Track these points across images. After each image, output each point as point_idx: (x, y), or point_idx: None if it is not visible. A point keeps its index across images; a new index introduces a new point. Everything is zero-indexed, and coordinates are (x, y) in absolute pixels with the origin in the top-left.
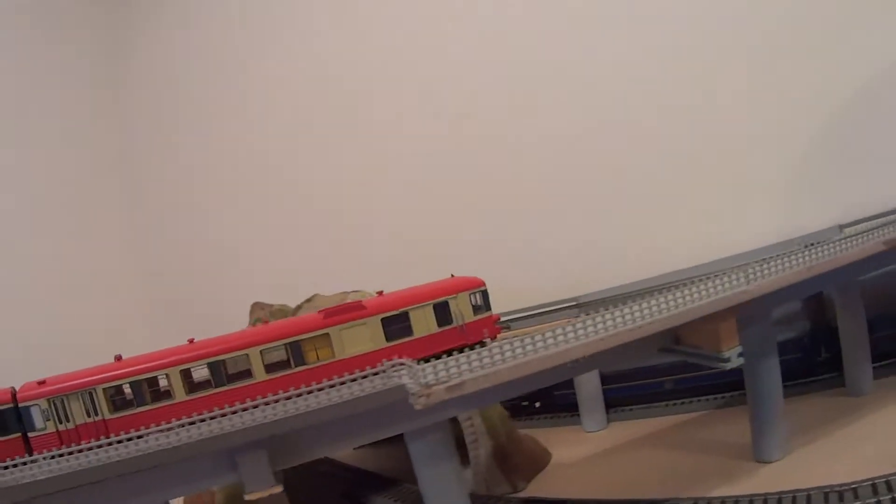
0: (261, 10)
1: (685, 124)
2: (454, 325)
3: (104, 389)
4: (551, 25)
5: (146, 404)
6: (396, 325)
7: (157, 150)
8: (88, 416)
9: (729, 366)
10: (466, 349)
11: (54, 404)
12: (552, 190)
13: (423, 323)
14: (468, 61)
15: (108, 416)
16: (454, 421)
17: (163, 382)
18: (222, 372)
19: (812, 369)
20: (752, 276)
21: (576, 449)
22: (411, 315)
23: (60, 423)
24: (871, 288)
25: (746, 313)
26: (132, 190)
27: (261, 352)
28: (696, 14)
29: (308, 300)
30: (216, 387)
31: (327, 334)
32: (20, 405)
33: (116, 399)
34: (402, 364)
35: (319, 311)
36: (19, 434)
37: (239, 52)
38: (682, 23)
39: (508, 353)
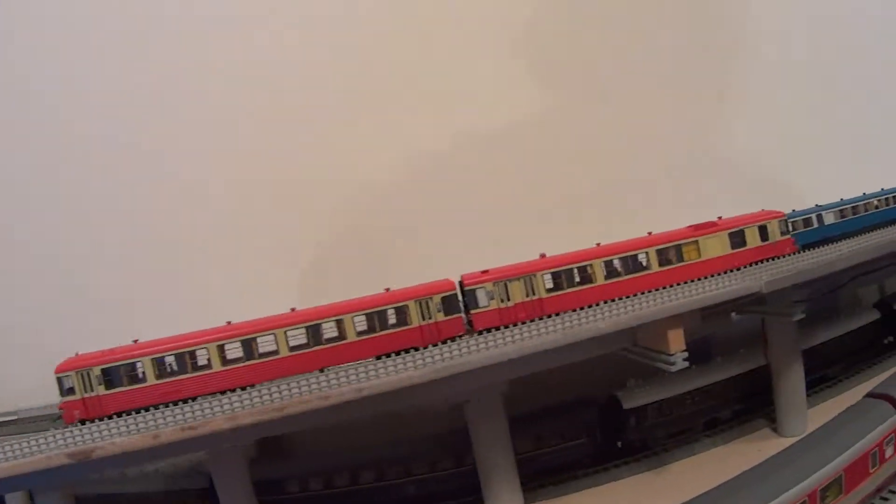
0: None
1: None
2: (769, 241)
3: (542, 275)
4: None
5: (574, 286)
6: (737, 238)
7: None
8: (527, 296)
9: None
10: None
11: (498, 287)
12: None
13: (753, 238)
14: None
15: (544, 295)
16: None
17: (589, 271)
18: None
19: None
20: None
21: None
22: (746, 232)
23: (502, 302)
24: None
25: None
26: None
27: (657, 251)
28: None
29: None
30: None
31: (696, 241)
32: (467, 288)
33: (551, 283)
34: None
35: (689, 227)
36: (460, 315)
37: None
38: None
39: None
